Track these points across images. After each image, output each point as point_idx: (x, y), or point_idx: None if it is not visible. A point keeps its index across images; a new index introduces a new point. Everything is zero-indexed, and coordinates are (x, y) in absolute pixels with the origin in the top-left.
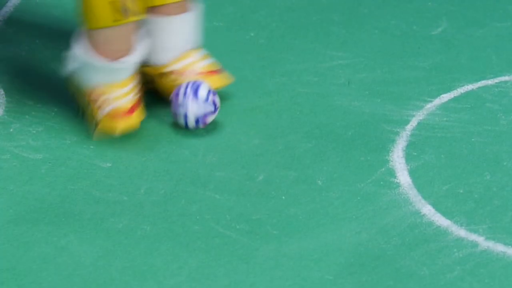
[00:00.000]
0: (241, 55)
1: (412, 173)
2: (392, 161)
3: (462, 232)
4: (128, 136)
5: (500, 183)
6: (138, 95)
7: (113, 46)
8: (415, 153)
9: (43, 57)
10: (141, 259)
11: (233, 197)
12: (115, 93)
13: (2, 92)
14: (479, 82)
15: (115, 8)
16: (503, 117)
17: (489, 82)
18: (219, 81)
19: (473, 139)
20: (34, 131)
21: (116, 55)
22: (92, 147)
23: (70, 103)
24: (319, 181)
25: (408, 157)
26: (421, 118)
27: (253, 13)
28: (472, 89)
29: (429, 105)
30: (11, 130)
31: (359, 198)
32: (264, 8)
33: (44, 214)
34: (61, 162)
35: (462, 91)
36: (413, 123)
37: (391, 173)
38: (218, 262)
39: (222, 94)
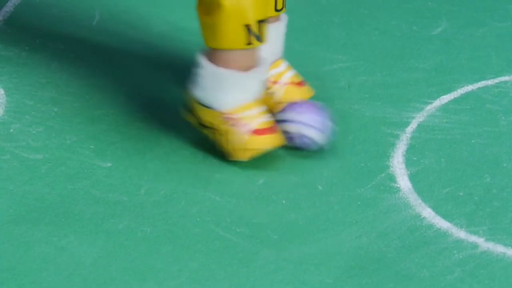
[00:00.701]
0: None
1: (412, 177)
2: (392, 166)
3: (462, 234)
4: (128, 136)
5: (500, 185)
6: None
7: (242, 64)
8: (415, 158)
9: (43, 57)
10: (141, 261)
11: (234, 199)
12: (253, 110)
13: (2, 92)
14: (479, 83)
15: (249, 31)
16: (503, 117)
17: (489, 82)
18: (306, 93)
19: (473, 141)
20: (34, 131)
21: (244, 70)
22: (92, 147)
23: (71, 103)
24: (319, 186)
25: (408, 162)
26: (421, 120)
27: None
28: (472, 89)
29: (429, 107)
30: (11, 130)
31: (359, 203)
32: None
33: (44, 214)
34: (61, 162)
35: (462, 92)
36: (413, 125)
37: (391, 178)
38: (218, 265)
39: None
